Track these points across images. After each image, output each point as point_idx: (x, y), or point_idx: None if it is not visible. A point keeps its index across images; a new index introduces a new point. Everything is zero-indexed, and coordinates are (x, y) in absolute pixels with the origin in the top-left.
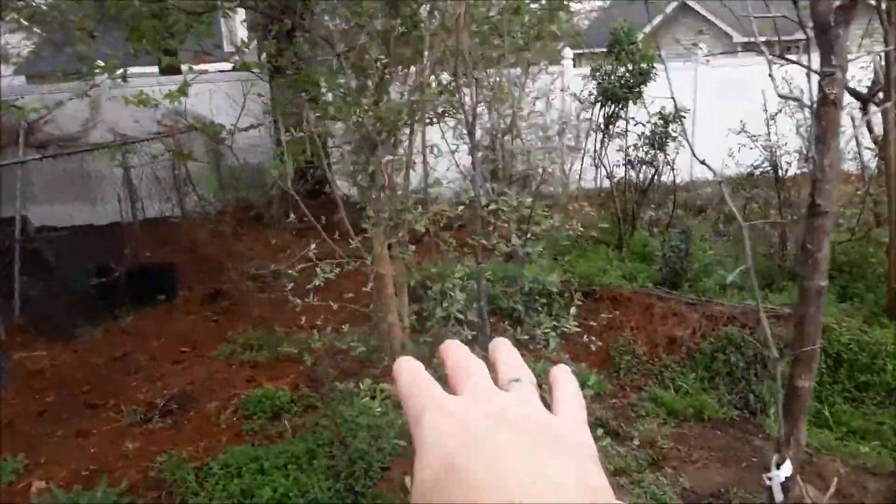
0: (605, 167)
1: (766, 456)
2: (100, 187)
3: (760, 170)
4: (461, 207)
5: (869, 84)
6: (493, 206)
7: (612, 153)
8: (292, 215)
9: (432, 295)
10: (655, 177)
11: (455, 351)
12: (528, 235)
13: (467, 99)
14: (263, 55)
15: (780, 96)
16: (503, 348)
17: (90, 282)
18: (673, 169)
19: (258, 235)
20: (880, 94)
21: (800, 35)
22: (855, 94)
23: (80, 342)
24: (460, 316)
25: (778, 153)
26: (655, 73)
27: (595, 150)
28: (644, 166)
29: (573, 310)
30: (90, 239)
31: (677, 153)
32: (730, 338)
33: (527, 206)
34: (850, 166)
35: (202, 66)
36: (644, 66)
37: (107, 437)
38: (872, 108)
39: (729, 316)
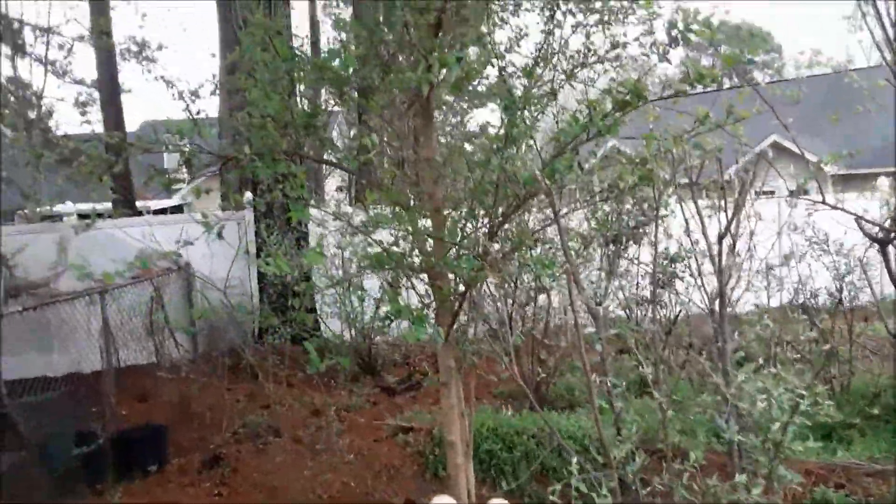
0: (629, 311)
1: None
2: (72, 335)
3: (789, 307)
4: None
5: (887, 222)
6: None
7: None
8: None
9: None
10: (668, 316)
11: None
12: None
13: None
14: (248, 195)
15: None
16: None
17: (72, 452)
18: (687, 309)
19: (245, 386)
20: None
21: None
22: (872, 235)
23: None
24: None
25: (813, 291)
26: (654, 216)
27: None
28: (651, 306)
29: None
30: (65, 396)
31: (690, 291)
32: (829, 502)
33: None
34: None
35: (149, 203)
36: (647, 206)
37: None
38: None
39: (816, 474)
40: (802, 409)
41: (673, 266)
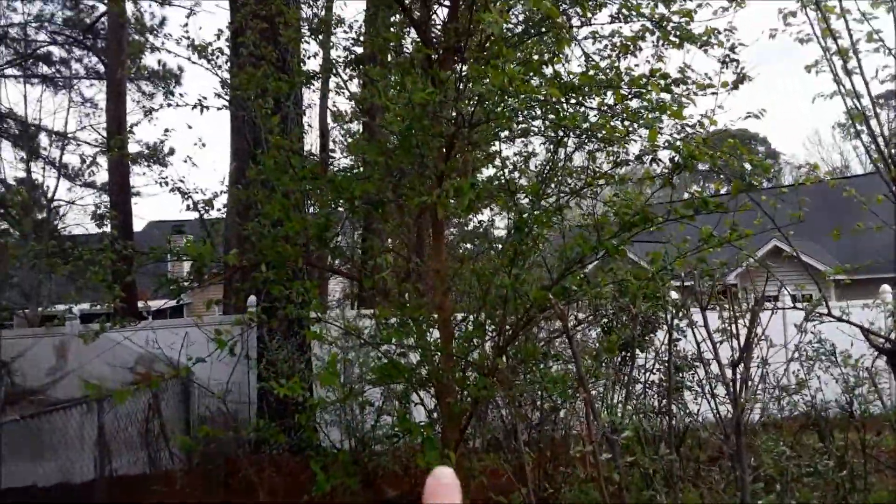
0: (639, 424)
1: None
2: (64, 443)
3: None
4: None
5: (893, 333)
6: None
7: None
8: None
9: None
10: (675, 426)
11: None
12: None
13: None
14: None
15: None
16: None
17: None
18: (699, 420)
19: (239, 501)
20: None
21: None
22: (879, 347)
23: None
24: None
25: (824, 404)
26: (662, 323)
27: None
28: (659, 416)
29: None
30: None
31: (699, 404)
32: None
33: None
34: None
35: (149, 303)
36: (650, 314)
37: None
38: None
39: None
40: None
41: (681, 375)
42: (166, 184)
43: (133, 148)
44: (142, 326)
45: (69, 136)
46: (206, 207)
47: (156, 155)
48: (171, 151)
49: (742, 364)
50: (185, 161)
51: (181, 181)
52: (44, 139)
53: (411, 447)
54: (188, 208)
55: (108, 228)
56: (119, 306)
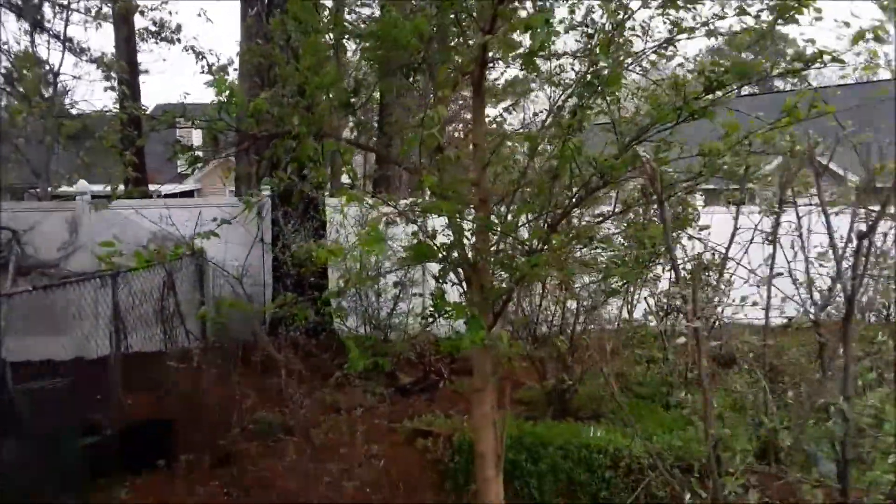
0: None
1: None
2: (79, 318)
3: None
4: None
5: None
6: None
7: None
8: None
9: None
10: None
11: None
12: None
13: None
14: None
15: None
16: None
17: (77, 444)
18: (718, 319)
19: (255, 380)
20: None
21: None
22: None
23: None
24: None
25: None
26: (692, 220)
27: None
28: (680, 314)
29: None
30: (70, 383)
31: (722, 299)
32: None
33: None
34: None
35: (160, 188)
36: (679, 209)
37: None
38: None
39: None
40: None
41: (707, 274)
42: (179, 41)
43: (140, 24)
44: (154, 203)
45: (72, 4)
46: (221, 73)
47: (162, 30)
48: (179, 28)
49: (868, 237)
50: (199, 15)
51: (194, 39)
52: (48, 12)
53: (428, 336)
54: (202, 70)
55: (115, 83)
56: (131, 175)
